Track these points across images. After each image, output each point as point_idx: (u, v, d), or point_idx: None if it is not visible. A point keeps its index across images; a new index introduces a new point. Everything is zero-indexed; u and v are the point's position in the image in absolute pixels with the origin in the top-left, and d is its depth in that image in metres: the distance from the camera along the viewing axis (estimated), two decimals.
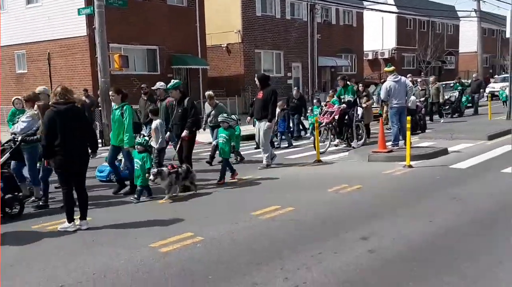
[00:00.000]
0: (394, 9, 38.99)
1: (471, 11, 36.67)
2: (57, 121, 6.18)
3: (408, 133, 10.05)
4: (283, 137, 14.61)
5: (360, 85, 15.35)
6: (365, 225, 6.13)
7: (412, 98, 14.80)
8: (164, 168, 8.08)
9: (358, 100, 14.05)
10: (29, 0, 23.24)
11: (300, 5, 31.15)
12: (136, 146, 8.29)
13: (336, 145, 13.26)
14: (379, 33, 41.84)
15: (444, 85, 24.84)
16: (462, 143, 12.80)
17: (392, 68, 12.47)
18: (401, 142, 11.70)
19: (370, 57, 41.51)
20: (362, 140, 13.45)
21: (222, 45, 28.15)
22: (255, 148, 13.02)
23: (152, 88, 11.68)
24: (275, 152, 11.74)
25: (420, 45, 41.55)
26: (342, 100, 13.11)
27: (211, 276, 4.72)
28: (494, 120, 17.92)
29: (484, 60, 39.85)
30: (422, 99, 17.44)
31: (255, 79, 11.00)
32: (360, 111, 13.61)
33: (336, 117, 12.94)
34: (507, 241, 5.38)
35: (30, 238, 6.21)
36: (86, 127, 6.58)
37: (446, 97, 20.18)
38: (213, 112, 11.61)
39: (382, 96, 12.22)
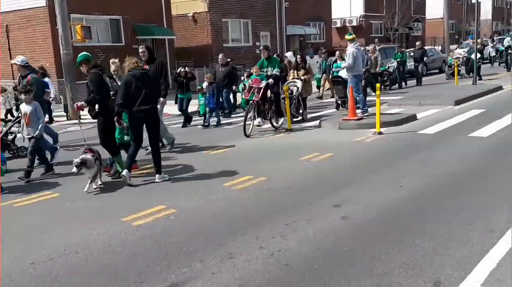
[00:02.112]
0: None
1: None
2: (132, 84, 7.12)
3: (378, 100, 10.11)
4: (213, 114, 13.00)
5: (298, 57, 13.77)
6: (337, 192, 6.18)
7: None
8: (89, 155, 6.98)
9: (296, 73, 12.98)
10: None
11: None
12: None
13: (258, 125, 11.66)
14: (347, 0, 41.66)
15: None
16: (430, 109, 13.00)
17: (353, 36, 12.47)
18: (370, 109, 11.81)
19: (338, 25, 41.39)
20: (300, 117, 12.43)
21: (188, 15, 27.54)
22: None
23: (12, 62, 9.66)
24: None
25: (387, 12, 41.63)
26: (265, 74, 11.45)
27: (185, 248, 4.69)
28: (460, 85, 18.24)
29: (450, 26, 40.32)
30: (363, 69, 15.55)
31: (139, 49, 9.53)
32: (299, 84, 12.42)
33: (267, 93, 11.17)
34: (474, 204, 5.51)
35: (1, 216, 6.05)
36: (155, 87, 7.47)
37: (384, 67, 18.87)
38: None
39: (350, 62, 12.14)
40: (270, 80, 11.16)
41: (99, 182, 7.15)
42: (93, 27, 19.67)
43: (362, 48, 12.81)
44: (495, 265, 4.00)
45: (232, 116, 14.55)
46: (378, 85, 10.72)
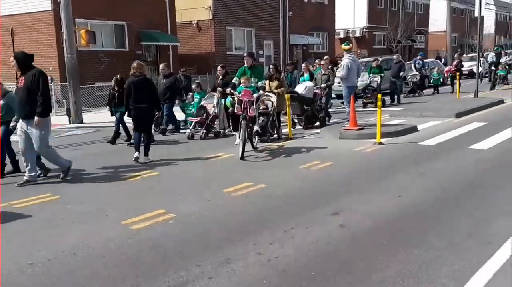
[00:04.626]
0: None
1: None
2: (131, 87, 8.85)
3: (379, 110, 10.15)
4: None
5: (271, 67, 11.85)
6: (336, 201, 6.20)
7: (309, 84, 13.09)
8: None
9: (269, 84, 11.35)
10: None
11: None
12: None
13: (237, 144, 9.73)
14: (351, 12, 41.89)
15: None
16: (431, 120, 13.03)
17: (350, 46, 12.44)
18: (372, 119, 11.82)
19: (341, 35, 41.54)
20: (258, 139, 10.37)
21: (193, 22, 27.70)
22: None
23: None
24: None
25: (390, 24, 41.82)
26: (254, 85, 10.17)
27: (184, 252, 4.71)
28: (461, 98, 18.29)
29: (453, 39, 40.47)
30: (323, 85, 13.50)
31: (13, 59, 7.51)
32: (274, 98, 10.80)
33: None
34: (473, 215, 5.52)
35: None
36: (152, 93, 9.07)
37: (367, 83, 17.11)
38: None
39: (343, 73, 12.07)
40: (261, 92, 9.97)
41: None
42: (98, 32, 19.76)
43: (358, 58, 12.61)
44: (491, 276, 4.01)
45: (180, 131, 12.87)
46: (379, 95, 10.78)
